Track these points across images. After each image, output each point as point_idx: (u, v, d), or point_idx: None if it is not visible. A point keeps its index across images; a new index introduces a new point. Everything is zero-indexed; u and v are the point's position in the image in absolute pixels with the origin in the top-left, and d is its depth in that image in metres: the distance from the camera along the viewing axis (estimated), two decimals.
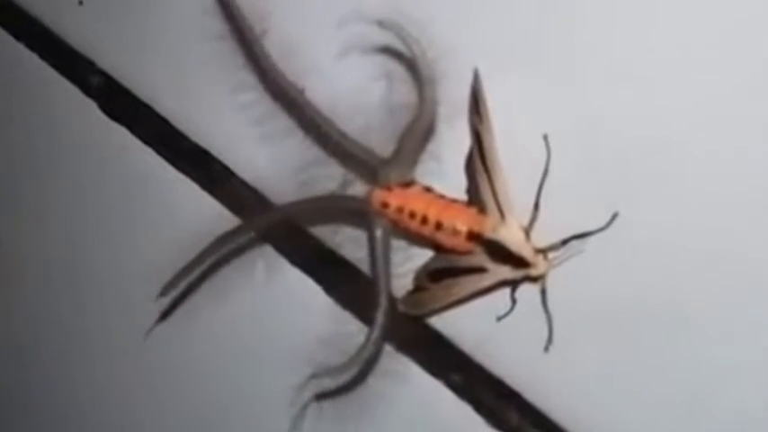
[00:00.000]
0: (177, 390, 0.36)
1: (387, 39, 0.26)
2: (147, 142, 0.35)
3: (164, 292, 0.29)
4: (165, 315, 0.34)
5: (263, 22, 0.28)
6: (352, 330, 0.29)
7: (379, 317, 0.27)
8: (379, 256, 0.28)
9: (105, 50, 0.36)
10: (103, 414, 0.38)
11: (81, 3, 0.36)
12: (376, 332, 0.27)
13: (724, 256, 0.25)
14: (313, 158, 0.30)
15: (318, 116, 0.28)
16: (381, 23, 0.24)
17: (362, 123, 0.28)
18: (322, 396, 0.31)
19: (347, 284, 0.32)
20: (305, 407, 0.31)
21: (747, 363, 0.26)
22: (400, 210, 0.27)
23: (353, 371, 0.28)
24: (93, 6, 0.36)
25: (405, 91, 0.27)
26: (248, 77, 0.31)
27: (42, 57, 0.38)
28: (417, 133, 0.27)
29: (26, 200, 0.40)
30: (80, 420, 0.39)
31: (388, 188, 0.28)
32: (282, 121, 0.31)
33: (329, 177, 0.30)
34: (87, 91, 0.37)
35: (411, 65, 0.26)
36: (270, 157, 0.32)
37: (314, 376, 0.27)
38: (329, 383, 0.30)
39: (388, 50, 0.28)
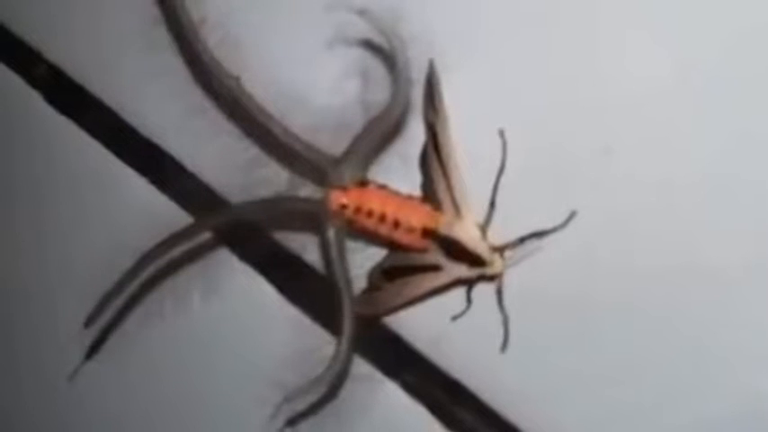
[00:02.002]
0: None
1: (364, 31, 0.25)
2: (94, 135, 0.34)
3: (89, 323, 0.27)
4: (110, 326, 0.33)
5: (200, 9, 0.27)
6: (315, 339, 0.29)
7: (346, 327, 0.26)
8: (335, 257, 0.27)
9: (51, 40, 0.35)
10: None
11: None
12: (344, 344, 0.26)
13: (683, 253, 0.25)
14: (256, 159, 0.30)
15: (262, 114, 0.27)
16: (362, 13, 0.23)
17: (305, 121, 0.27)
18: (293, 420, 0.30)
19: (308, 290, 0.31)
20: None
21: (710, 362, 0.26)
22: (358, 210, 0.27)
23: (323, 388, 0.27)
24: None
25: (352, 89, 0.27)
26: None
27: None
28: (379, 132, 0.26)
29: None
30: None
31: (344, 188, 0.27)
32: (222, 119, 0.30)
33: (272, 181, 0.29)
34: (32, 82, 0.35)
35: (389, 61, 0.25)
36: (221, 153, 0.31)
37: (286, 400, 0.26)
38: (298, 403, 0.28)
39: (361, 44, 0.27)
